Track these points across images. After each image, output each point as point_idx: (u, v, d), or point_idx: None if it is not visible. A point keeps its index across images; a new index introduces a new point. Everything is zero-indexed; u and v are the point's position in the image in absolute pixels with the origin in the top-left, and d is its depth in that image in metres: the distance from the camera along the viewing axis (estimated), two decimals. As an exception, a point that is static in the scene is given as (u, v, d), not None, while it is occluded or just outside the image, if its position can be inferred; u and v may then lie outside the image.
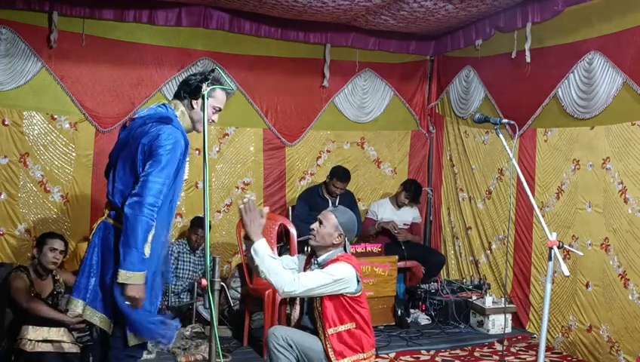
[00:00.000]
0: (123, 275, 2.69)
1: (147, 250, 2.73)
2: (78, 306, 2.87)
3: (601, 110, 4.59)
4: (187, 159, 2.95)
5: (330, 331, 3.30)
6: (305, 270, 3.50)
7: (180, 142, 2.84)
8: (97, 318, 2.87)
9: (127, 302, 2.74)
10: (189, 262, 5.48)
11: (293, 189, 6.29)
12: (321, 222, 3.43)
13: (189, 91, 2.96)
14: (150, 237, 2.73)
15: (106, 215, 2.95)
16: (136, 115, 2.97)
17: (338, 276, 3.24)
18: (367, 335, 3.38)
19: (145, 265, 2.73)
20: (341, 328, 3.32)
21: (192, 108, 2.96)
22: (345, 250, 3.47)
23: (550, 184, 5.17)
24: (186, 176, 2.98)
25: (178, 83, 5.65)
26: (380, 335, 5.09)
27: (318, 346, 3.33)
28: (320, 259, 3.44)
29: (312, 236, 3.44)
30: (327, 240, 3.41)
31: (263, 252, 3.13)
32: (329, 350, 3.29)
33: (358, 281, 3.32)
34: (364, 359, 3.38)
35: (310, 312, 3.47)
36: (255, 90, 6.03)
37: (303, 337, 3.38)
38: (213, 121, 3.01)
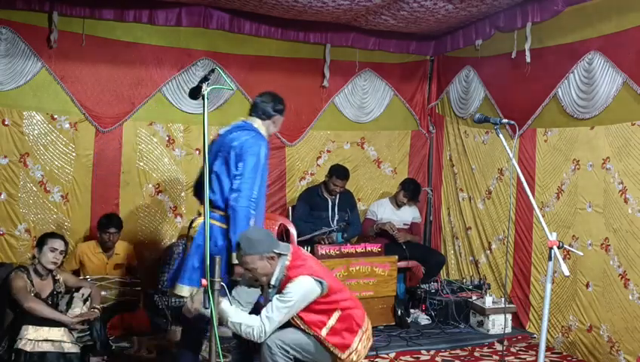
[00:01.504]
0: (234, 257, 3.33)
1: None
2: (184, 291, 3.48)
3: (601, 110, 4.59)
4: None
5: (322, 332, 3.28)
6: (263, 294, 3.45)
7: (263, 145, 3.53)
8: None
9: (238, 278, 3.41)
10: (189, 262, 5.48)
11: (293, 189, 6.30)
12: (246, 269, 3.27)
13: (261, 114, 3.73)
14: (252, 223, 3.38)
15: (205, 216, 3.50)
16: (221, 131, 3.69)
17: (298, 296, 3.20)
18: (354, 309, 3.32)
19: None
20: (331, 322, 3.29)
21: (267, 121, 3.72)
22: (285, 254, 3.30)
23: (550, 184, 5.17)
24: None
25: (178, 83, 5.74)
26: (380, 335, 5.09)
27: (314, 341, 3.31)
28: (273, 282, 3.31)
29: (254, 283, 3.36)
30: (266, 271, 3.27)
31: (222, 308, 3.16)
32: (331, 348, 3.29)
33: (320, 283, 3.25)
34: (365, 331, 3.35)
35: (294, 326, 3.38)
36: (255, 90, 5.96)
37: (296, 335, 3.32)
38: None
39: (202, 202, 3.31)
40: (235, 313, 3.21)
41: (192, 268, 3.49)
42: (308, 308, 3.27)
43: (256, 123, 3.71)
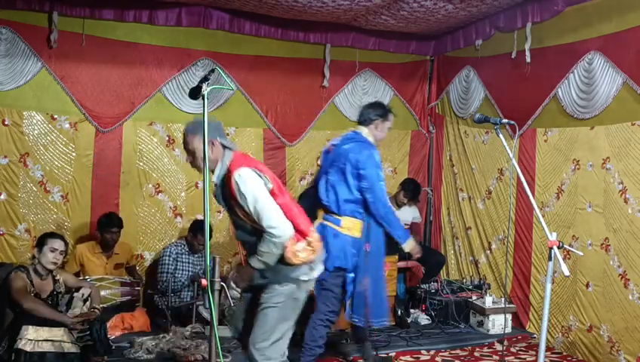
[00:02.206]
0: (406, 247, 4.13)
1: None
2: None
3: (601, 110, 4.59)
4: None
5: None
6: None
7: (374, 152, 3.99)
8: None
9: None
10: (189, 262, 5.48)
11: (293, 189, 6.29)
12: (189, 153, 3.12)
13: (363, 121, 4.17)
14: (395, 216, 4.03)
15: (320, 218, 4.07)
16: (335, 142, 4.22)
17: (251, 181, 2.99)
18: (298, 221, 3.14)
19: (408, 233, 4.22)
20: None
21: (370, 126, 4.14)
22: (230, 149, 3.14)
23: (550, 184, 5.17)
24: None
25: (178, 83, 5.73)
26: (380, 335, 5.09)
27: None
28: (215, 179, 3.12)
29: (196, 168, 3.14)
30: (209, 158, 3.00)
31: (256, 262, 3.05)
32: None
33: (260, 176, 3.06)
34: (311, 242, 3.16)
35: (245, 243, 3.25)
36: (255, 90, 6.03)
37: (259, 324, 3.15)
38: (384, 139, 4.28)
39: (321, 207, 4.09)
40: (256, 256, 3.05)
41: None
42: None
43: (364, 131, 4.15)
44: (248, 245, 3.16)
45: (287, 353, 3.22)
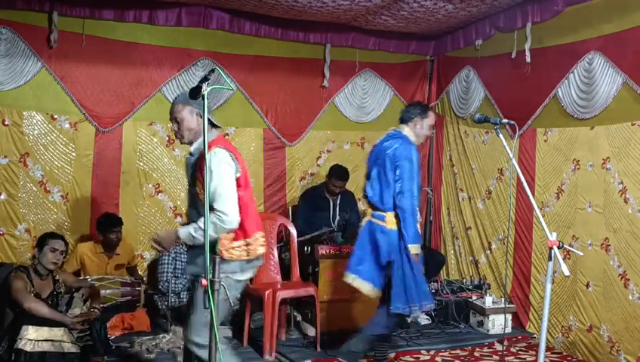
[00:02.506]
0: (410, 248, 4.01)
1: (418, 229, 4.10)
2: (348, 278, 4.23)
3: (601, 110, 4.59)
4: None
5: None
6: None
7: (412, 149, 4.11)
8: (365, 287, 4.19)
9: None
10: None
11: (293, 189, 6.30)
12: (175, 121, 3.19)
13: (403, 119, 4.31)
14: (419, 217, 4.11)
15: (369, 215, 4.24)
16: (377, 141, 4.34)
17: (220, 162, 3.03)
18: (248, 217, 3.16)
19: (419, 239, 4.10)
20: None
21: (410, 124, 4.26)
22: (217, 127, 3.24)
23: (550, 184, 5.17)
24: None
25: (178, 83, 5.73)
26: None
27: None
28: (192, 149, 3.19)
29: (180, 138, 3.23)
30: (192, 127, 3.17)
31: (186, 231, 3.05)
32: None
33: (234, 161, 3.12)
34: (250, 244, 3.17)
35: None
36: (255, 90, 6.03)
37: (194, 318, 3.14)
38: (427, 137, 4.44)
39: (368, 205, 4.27)
40: (191, 229, 3.05)
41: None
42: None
43: (405, 130, 4.28)
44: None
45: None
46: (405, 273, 4.06)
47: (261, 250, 3.28)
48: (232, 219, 3.05)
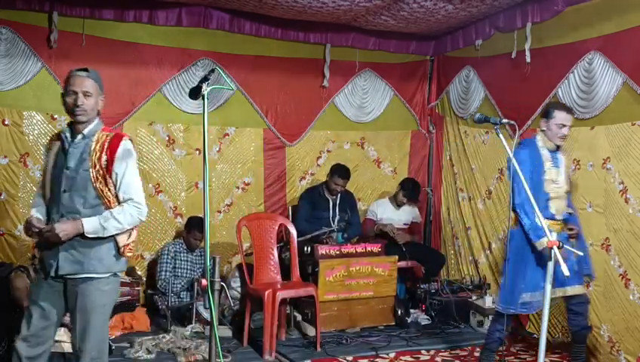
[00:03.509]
0: (537, 245, 3.85)
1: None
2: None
3: (601, 110, 4.59)
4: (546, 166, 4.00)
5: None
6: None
7: (522, 151, 3.97)
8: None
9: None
10: (187, 261, 5.48)
11: (293, 189, 6.30)
12: (86, 94, 2.93)
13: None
14: (526, 222, 3.92)
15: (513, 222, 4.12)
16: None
17: (133, 155, 2.96)
18: None
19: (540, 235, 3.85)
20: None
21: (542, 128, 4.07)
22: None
23: (550, 184, 5.16)
24: (550, 177, 3.99)
25: (178, 83, 5.70)
26: (380, 335, 5.09)
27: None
28: (86, 131, 2.96)
29: (82, 112, 2.94)
30: (93, 107, 2.96)
31: (94, 222, 2.85)
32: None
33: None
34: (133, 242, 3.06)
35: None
36: (255, 90, 6.03)
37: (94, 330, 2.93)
38: (563, 136, 4.01)
39: None
40: (101, 219, 2.87)
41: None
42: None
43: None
44: (78, 216, 2.89)
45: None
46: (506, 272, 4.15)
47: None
48: (145, 212, 2.97)
